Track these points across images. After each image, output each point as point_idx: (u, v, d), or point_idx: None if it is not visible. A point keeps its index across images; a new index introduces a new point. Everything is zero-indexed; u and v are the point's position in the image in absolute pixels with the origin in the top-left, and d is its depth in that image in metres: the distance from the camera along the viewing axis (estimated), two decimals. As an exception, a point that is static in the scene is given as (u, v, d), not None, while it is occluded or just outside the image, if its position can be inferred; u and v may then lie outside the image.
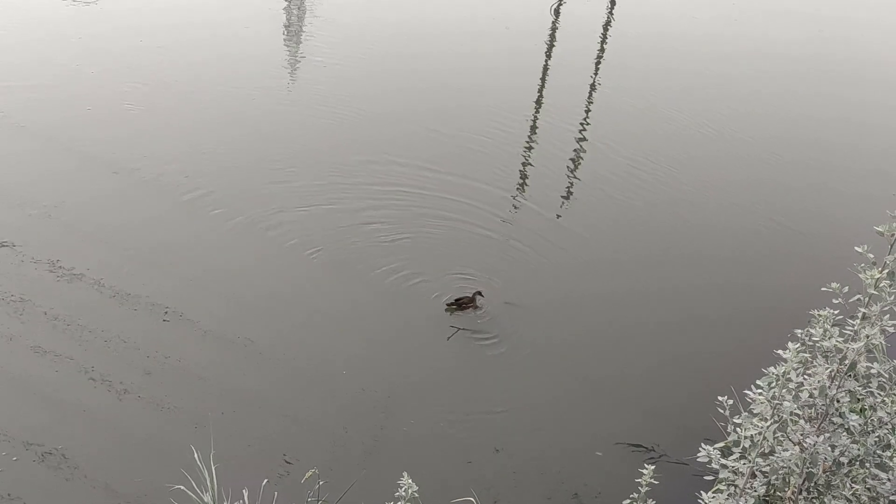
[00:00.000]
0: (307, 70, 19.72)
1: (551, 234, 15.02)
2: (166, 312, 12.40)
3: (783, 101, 20.78)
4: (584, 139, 18.32)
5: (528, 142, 17.98)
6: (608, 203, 16.14)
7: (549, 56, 21.89)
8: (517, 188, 16.29)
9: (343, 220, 14.64)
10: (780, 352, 7.37)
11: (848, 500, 7.22)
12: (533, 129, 18.53)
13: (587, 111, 19.62)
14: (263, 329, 12.35)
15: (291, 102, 18.31)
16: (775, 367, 7.11)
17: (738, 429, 6.94)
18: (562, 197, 16.25)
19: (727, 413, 7.26)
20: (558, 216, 15.57)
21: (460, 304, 12.09)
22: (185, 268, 13.23)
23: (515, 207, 15.57)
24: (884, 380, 7.40)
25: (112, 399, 11.14)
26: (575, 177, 16.99)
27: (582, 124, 18.98)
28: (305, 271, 13.54)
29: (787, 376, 6.98)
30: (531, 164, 17.13)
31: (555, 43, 22.66)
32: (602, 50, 22.69)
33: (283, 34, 21.50)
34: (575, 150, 17.86)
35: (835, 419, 6.93)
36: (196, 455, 9.41)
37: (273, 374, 11.73)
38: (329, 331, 12.46)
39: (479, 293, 12.27)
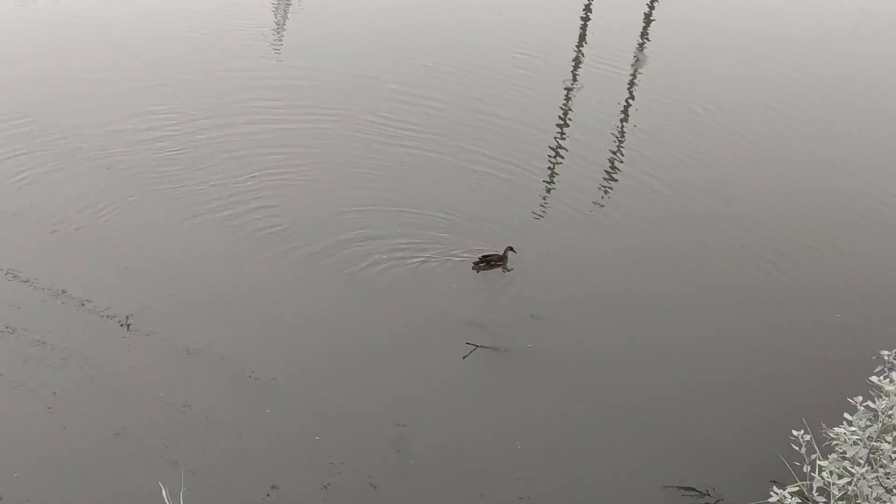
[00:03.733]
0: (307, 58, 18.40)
1: (586, 227, 13.61)
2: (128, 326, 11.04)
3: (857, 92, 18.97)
4: (633, 126, 16.75)
5: (559, 127, 16.40)
6: (656, 191, 14.55)
7: (582, 40, 20.25)
8: (548, 173, 14.86)
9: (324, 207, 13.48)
10: (873, 379, 6.56)
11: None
12: (565, 121, 16.99)
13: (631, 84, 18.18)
14: (242, 343, 10.97)
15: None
16: (874, 402, 6.21)
17: (820, 473, 6.07)
18: (602, 181, 14.76)
19: (803, 451, 6.35)
20: (598, 202, 14.20)
21: (489, 262, 11.75)
22: (147, 269, 11.97)
23: (545, 200, 14.17)
24: None
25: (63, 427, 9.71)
26: (619, 159, 15.47)
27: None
28: (290, 271, 12.20)
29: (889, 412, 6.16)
30: (565, 149, 15.66)
31: (589, 19, 21.14)
32: (646, 29, 21.16)
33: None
34: (625, 133, 16.39)
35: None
36: (164, 493, 7.94)
37: (254, 395, 10.29)
38: (325, 344, 11.11)
39: (511, 248, 11.80)
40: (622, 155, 15.40)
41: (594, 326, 11.73)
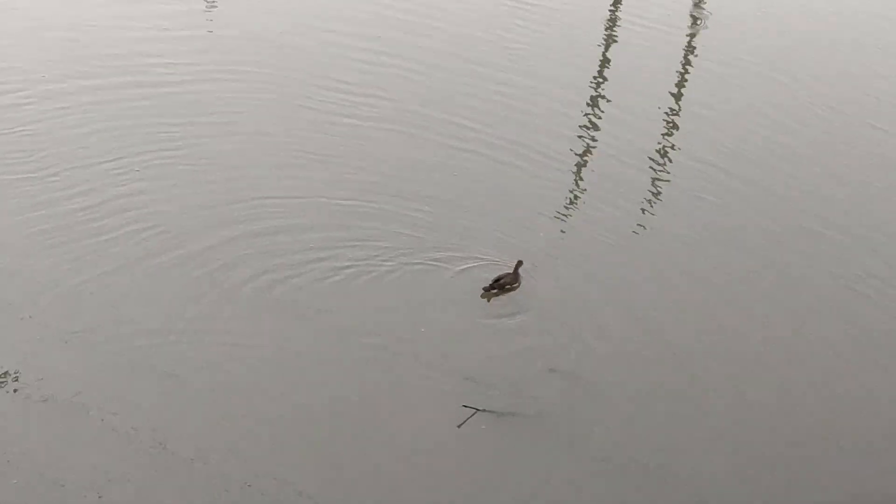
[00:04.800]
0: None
1: (623, 240, 11.62)
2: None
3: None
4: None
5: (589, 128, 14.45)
6: (719, 183, 12.69)
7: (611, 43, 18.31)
8: (575, 162, 12.97)
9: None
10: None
11: None
12: (594, 125, 14.89)
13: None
14: (127, 396, 8.78)
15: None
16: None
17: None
18: (647, 171, 12.91)
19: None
20: (641, 202, 12.28)
21: (502, 286, 10.85)
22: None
23: (568, 199, 12.30)
24: None
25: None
26: (668, 142, 13.59)
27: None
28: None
29: None
30: (598, 129, 13.82)
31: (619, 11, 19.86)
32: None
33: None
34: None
35: None
36: None
37: (160, 471, 8.21)
38: (250, 403, 8.98)
39: (521, 263, 11.01)
40: (673, 137, 13.54)
41: (631, 385, 9.90)
